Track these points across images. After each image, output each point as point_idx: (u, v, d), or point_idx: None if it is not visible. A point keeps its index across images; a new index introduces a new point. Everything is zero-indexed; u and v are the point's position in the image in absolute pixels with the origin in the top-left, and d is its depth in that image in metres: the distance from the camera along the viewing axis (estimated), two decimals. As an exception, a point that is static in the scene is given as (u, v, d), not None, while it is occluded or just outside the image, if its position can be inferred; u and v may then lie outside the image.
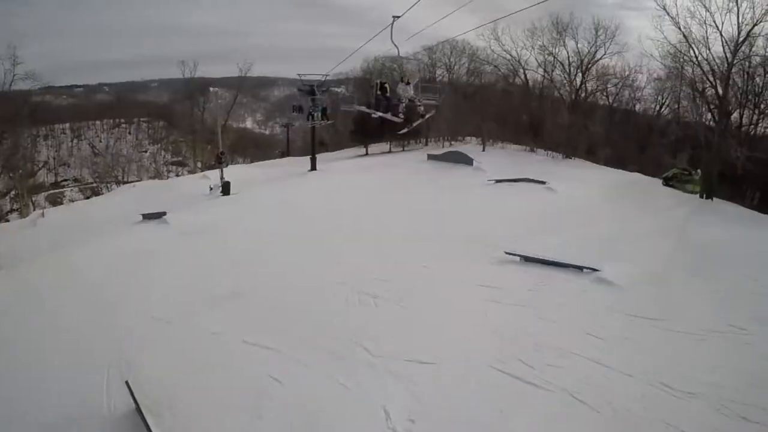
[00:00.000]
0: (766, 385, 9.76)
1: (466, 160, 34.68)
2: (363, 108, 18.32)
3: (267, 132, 75.07)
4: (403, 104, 14.83)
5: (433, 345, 11.20)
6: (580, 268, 15.22)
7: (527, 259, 15.94)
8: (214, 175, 36.33)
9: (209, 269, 17.27)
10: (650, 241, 18.40)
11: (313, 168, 38.84)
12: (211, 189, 33.23)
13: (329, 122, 35.57)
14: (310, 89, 34.11)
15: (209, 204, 29.29)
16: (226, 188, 32.01)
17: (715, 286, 14.83)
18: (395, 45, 14.36)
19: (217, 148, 38.19)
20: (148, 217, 25.60)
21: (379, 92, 15.47)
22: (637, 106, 43.83)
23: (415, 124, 16.64)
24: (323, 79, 34.59)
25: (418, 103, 14.95)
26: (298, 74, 34.88)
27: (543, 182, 26.93)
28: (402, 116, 15.30)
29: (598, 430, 8.45)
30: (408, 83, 15.01)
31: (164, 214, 24.68)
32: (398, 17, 13.94)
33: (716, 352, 11.18)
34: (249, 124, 76.12)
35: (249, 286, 15.46)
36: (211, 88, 64.78)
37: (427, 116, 16.20)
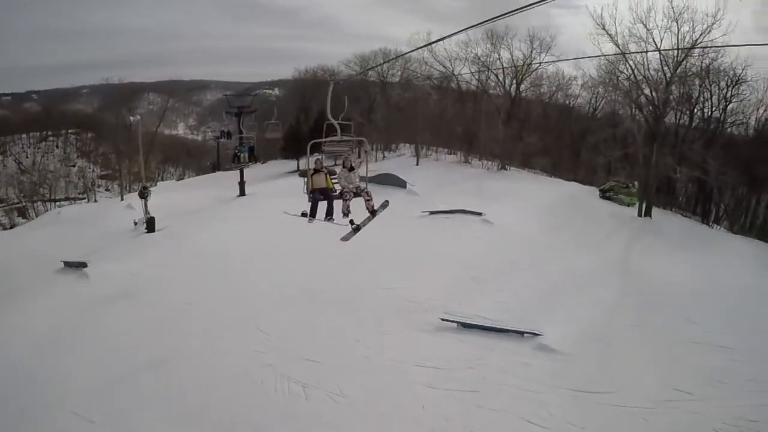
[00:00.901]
0: None
1: (399, 183, 34.12)
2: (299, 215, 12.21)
3: (200, 138, 72.86)
4: (349, 200, 11.44)
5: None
6: (521, 333, 14.90)
7: (465, 326, 15.49)
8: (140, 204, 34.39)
9: (123, 353, 15.86)
10: (591, 287, 18.34)
11: (242, 194, 37.54)
12: (135, 224, 31.47)
13: (258, 162, 34.19)
14: (237, 111, 32.82)
15: (132, 246, 27.49)
16: (150, 225, 30.38)
17: (658, 339, 14.94)
18: (330, 118, 11.82)
19: (141, 181, 36.16)
20: (69, 265, 23.87)
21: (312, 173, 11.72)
22: (572, 113, 44.55)
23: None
24: (250, 101, 33.41)
25: (367, 198, 11.75)
26: (225, 94, 33.52)
27: (479, 213, 26.57)
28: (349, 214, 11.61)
29: None
30: (352, 169, 11.81)
31: (85, 265, 23.08)
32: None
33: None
34: (181, 129, 73.98)
35: (165, 369, 14.28)
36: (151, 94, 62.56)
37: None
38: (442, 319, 15.87)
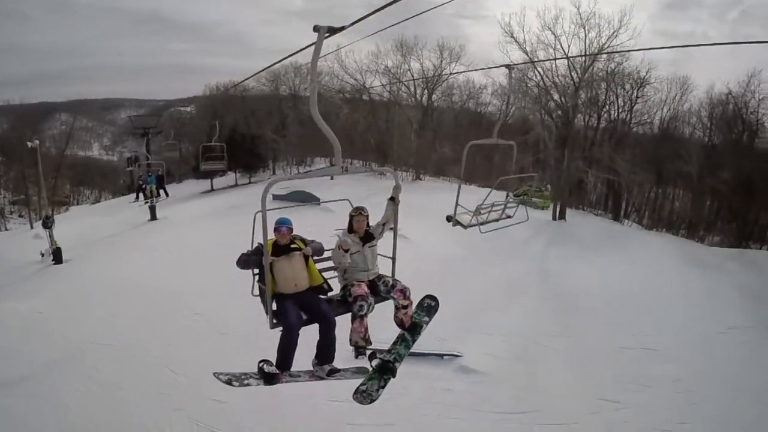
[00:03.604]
0: None
1: (313, 200, 33.26)
2: None
3: (115, 158, 69.41)
4: (365, 314, 6.53)
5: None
6: (440, 356, 14.30)
7: (381, 352, 14.67)
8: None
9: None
10: (511, 299, 18.14)
11: (153, 218, 35.48)
12: (42, 255, 29.00)
13: (166, 197, 31.82)
14: (143, 132, 30.99)
15: (39, 280, 25.16)
16: (57, 256, 28.06)
17: (581, 348, 14.85)
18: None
19: (44, 210, 33.46)
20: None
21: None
22: (483, 121, 45.24)
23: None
24: (156, 122, 31.65)
25: (403, 301, 6.63)
26: (129, 116, 31.61)
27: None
28: None
29: None
30: (369, 237, 6.69)
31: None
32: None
33: None
34: (96, 150, 70.31)
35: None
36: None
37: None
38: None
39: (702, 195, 32.93)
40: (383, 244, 6.70)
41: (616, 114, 35.83)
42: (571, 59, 30.83)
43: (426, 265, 21.02)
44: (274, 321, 5.98)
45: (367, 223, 6.60)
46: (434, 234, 24.58)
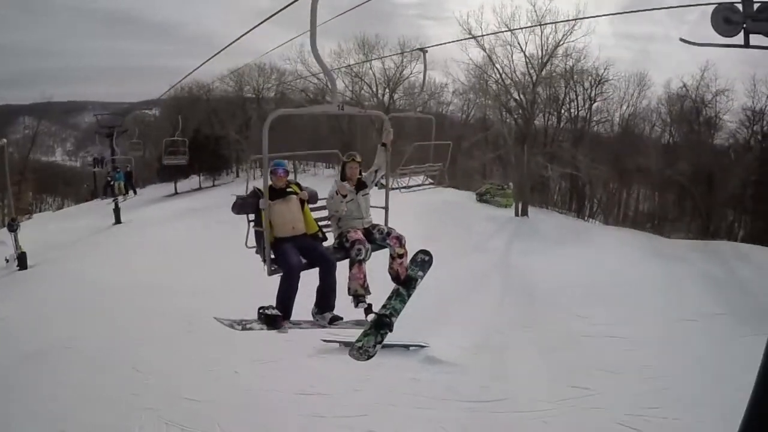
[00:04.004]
0: None
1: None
2: None
3: (78, 164, 67.29)
4: (364, 260, 6.33)
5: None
6: (406, 347, 14.06)
7: (348, 345, 14.33)
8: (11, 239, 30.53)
9: None
10: (475, 292, 18.09)
11: (118, 221, 34.42)
12: (7, 261, 27.75)
13: (135, 195, 30.67)
14: (109, 132, 29.95)
15: (3, 286, 24.11)
16: (22, 261, 26.90)
17: (548, 337, 14.79)
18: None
19: (9, 215, 32.09)
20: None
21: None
22: (445, 120, 45.31)
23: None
24: (121, 121, 30.65)
25: (398, 249, 6.61)
26: (95, 115, 30.54)
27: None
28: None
29: None
30: (362, 185, 6.84)
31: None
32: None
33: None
34: (59, 155, 67.92)
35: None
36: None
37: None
38: (324, 341, 14.68)
39: (663, 189, 33.43)
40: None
41: (576, 112, 36.29)
42: (528, 56, 31.47)
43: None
44: (273, 267, 5.89)
45: (360, 171, 6.61)
46: (394, 221, 24.40)
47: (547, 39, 31.03)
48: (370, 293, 6.35)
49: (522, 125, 32.09)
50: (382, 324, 6.40)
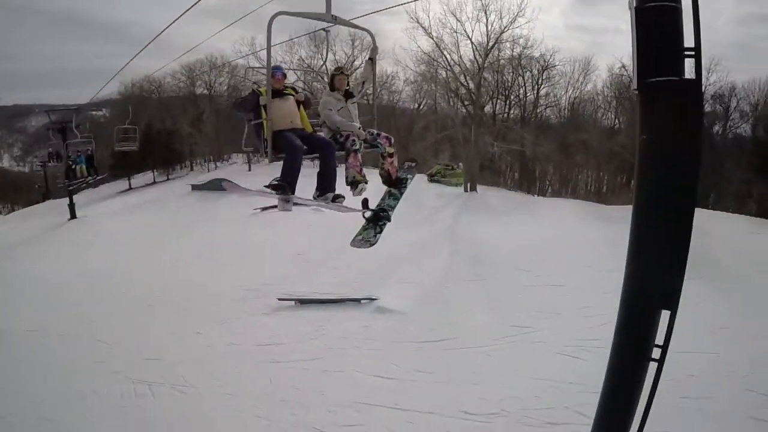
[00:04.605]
0: (563, 384, 10.02)
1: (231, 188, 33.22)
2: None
3: (26, 169, 65.47)
4: (358, 152, 6.63)
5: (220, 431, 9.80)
6: (357, 301, 14.82)
7: (302, 302, 14.97)
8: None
9: None
10: (424, 254, 18.90)
11: (73, 216, 33.76)
12: None
13: (100, 177, 29.82)
14: (62, 128, 29.31)
15: None
16: None
17: (492, 288, 15.65)
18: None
19: None
20: None
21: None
22: (395, 110, 46.01)
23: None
24: (75, 110, 30.00)
25: (388, 148, 7.03)
26: (46, 111, 29.91)
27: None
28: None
29: None
30: (349, 96, 6.85)
31: None
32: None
33: (508, 362, 11.38)
34: (6, 161, 66.06)
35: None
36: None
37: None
38: (279, 299, 15.31)
39: (607, 162, 34.71)
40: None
41: (524, 97, 37.47)
42: (475, 43, 32.44)
43: (341, 233, 21.30)
44: (272, 152, 6.15)
45: (348, 83, 6.84)
46: (345, 202, 24.99)
47: (492, 26, 32.15)
48: (366, 181, 6.65)
49: (470, 108, 32.98)
50: (380, 217, 6.93)
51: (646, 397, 4.07)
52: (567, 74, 37.01)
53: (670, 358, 3.84)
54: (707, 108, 33.44)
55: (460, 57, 33.23)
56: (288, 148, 6.12)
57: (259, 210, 27.13)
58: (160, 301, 16.65)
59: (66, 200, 32.34)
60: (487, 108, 35.88)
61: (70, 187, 29.18)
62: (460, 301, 14.78)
